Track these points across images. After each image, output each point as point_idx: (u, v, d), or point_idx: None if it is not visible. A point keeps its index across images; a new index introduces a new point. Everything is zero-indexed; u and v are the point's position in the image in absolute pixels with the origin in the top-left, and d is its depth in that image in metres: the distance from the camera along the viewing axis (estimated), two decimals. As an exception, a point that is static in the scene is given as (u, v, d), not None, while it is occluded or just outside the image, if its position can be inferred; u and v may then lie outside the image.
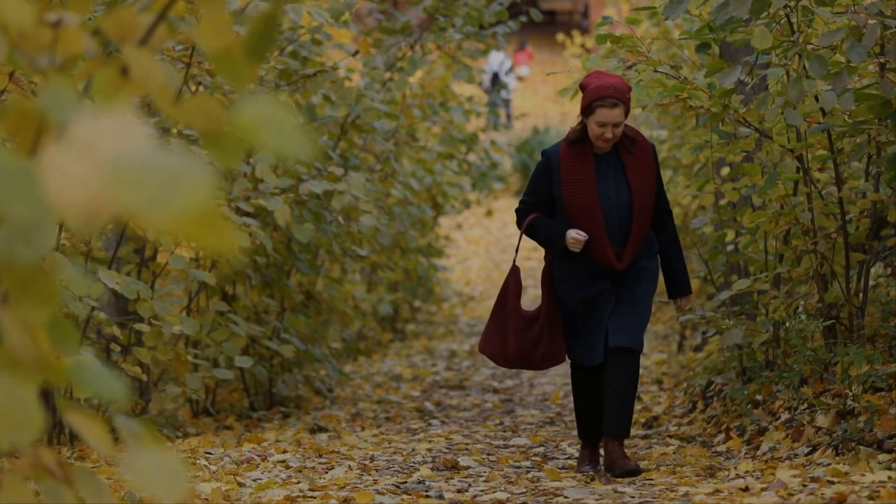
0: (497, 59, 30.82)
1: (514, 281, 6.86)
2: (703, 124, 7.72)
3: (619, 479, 6.34)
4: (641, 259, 6.67)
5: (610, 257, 6.55)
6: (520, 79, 35.60)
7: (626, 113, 6.53)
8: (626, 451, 6.76)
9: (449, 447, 7.67)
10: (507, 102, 31.42)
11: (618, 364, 6.53)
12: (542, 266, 6.83)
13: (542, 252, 6.92)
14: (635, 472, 6.40)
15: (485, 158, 17.79)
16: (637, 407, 9.45)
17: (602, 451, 6.75)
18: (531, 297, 16.58)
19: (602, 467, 6.66)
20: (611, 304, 6.61)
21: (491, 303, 18.88)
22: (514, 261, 6.96)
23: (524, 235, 6.75)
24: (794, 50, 6.81)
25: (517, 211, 6.80)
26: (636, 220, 6.57)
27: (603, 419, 6.62)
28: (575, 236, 6.52)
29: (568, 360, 6.84)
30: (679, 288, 6.78)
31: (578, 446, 7.14)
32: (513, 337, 6.78)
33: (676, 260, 6.78)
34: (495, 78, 30.29)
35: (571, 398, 10.23)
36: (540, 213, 6.70)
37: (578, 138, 6.62)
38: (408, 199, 12.93)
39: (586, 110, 6.53)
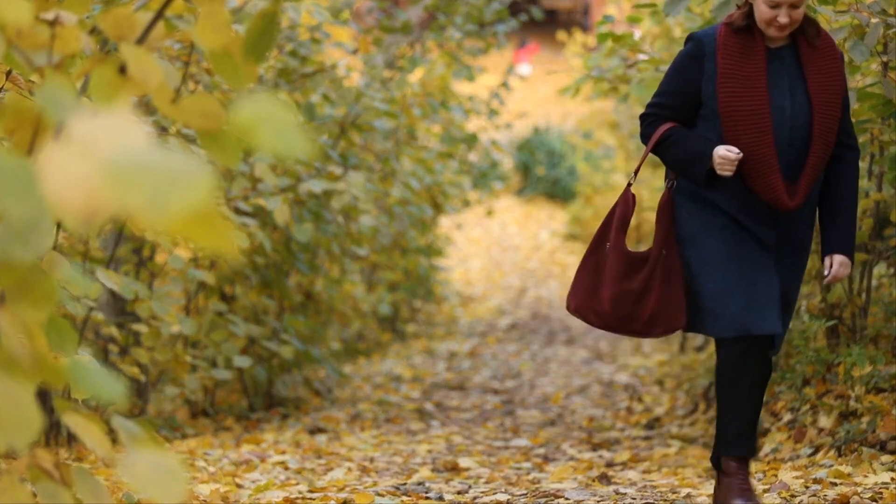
0: None
1: (622, 208, 4.99)
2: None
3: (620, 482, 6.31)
4: (804, 216, 4.96)
5: (778, 189, 4.82)
6: (521, 78, 35.65)
7: None
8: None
9: (449, 448, 7.66)
10: None
11: (764, 358, 4.93)
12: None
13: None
14: None
15: (485, 158, 17.79)
16: (638, 408, 9.42)
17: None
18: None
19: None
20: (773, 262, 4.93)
21: (491, 303, 18.85)
22: (629, 185, 5.06)
23: (651, 152, 4.98)
24: (795, 49, 6.80)
25: (642, 117, 5.02)
26: (816, 144, 4.87)
27: (730, 430, 4.98)
28: (725, 154, 4.76)
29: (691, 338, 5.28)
30: (835, 242, 4.96)
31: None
32: (609, 284, 4.93)
33: (848, 204, 4.98)
34: None
35: (571, 398, 10.27)
36: (675, 122, 4.95)
37: (745, 24, 4.86)
38: (408, 198, 12.92)
39: None
